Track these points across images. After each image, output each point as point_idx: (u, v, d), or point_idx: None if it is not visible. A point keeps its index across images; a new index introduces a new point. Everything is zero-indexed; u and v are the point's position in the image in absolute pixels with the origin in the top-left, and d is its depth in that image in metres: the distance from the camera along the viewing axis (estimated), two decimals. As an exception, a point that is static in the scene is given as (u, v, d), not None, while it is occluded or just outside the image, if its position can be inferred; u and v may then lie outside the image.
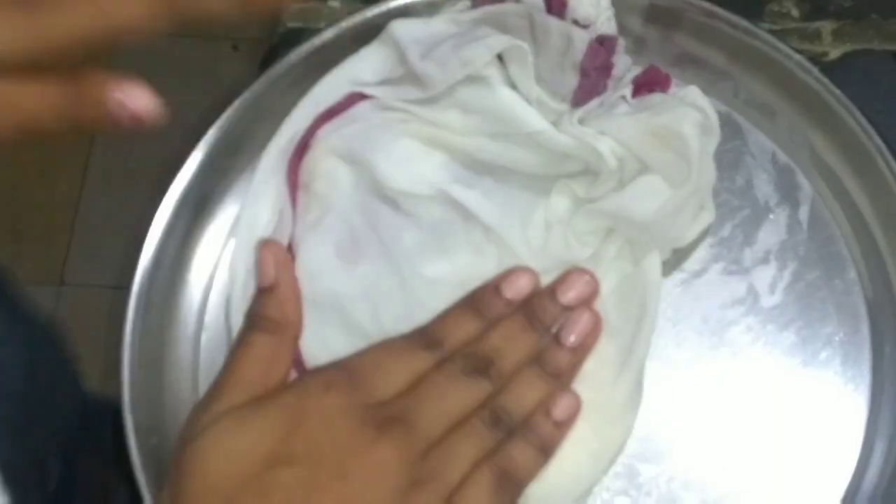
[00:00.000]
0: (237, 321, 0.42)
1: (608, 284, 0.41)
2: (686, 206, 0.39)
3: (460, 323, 0.38)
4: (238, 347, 0.39)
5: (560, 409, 0.37)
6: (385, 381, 0.36)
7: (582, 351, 0.38)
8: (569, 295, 0.38)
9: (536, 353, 0.38)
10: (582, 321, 0.38)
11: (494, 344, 0.37)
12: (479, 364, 0.36)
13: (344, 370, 0.37)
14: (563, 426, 0.37)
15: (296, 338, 0.40)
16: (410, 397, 0.36)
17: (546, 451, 0.37)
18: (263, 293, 0.40)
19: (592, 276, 0.39)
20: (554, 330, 0.38)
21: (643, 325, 0.40)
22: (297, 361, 0.41)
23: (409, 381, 0.36)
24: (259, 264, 0.40)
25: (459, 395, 0.36)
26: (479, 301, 0.39)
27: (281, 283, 0.40)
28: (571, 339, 0.38)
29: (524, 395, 0.37)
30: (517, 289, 0.39)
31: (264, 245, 0.40)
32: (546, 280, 0.40)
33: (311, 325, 0.41)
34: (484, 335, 0.37)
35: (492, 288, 0.39)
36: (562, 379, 0.38)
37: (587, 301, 0.39)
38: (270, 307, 0.39)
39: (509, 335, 0.38)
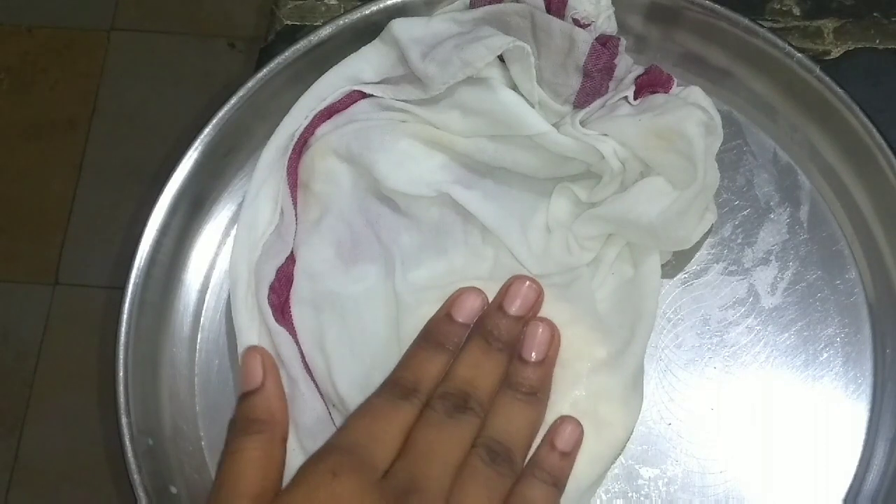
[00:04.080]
0: (242, 321, 0.41)
1: (607, 288, 0.41)
2: (692, 207, 0.39)
3: (426, 361, 0.38)
4: (229, 455, 0.37)
5: (564, 440, 0.38)
6: (383, 448, 0.36)
7: (548, 363, 0.39)
8: (516, 304, 0.39)
9: (505, 372, 0.38)
10: (538, 334, 0.39)
11: (464, 376, 0.38)
12: (459, 401, 0.37)
13: (342, 451, 0.36)
14: (570, 456, 0.38)
15: (284, 439, 0.39)
16: (411, 460, 0.36)
17: (558, 483, 0.37)
18: (249, 395, 0.39)
19: (533, 281, 0.40)
20: (512, 341, 0.39)
21: (639, 328, 0.40)
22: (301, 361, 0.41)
23: (402, 439, 0.36)
24: (244, 367, 0.40)
25: (453, 440, 0.36)
26: (436, 333, 0.39)
27: (267, 384, 0.39)
28: (533, 355, 0.38)
29: (510, 421, 0.37)
30: (468, 311, 0.39)
31: (251, 349, 0.40)
32: (547, 284, 0.40)
33: (310, 326, 0.41)
34: (452, 370, 0.38)
35: (444, 316, 0.39)
36: (538, 395, 0.38)
37: (535, 306, 0.39)
38: (258, 409, 0.39)
39: (474, 362, 0.38)
